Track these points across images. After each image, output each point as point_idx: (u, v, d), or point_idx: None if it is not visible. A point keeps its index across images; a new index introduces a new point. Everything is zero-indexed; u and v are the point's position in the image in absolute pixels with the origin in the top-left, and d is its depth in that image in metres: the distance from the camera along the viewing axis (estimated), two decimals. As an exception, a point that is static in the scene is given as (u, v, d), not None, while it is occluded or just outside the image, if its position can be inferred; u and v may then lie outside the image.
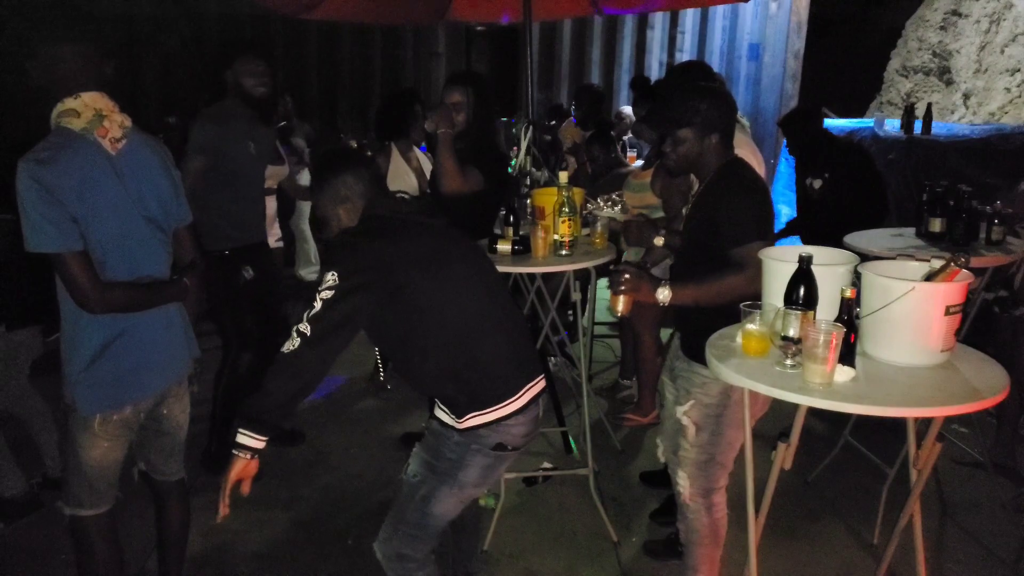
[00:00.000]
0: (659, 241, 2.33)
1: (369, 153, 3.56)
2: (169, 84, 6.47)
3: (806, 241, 3.67)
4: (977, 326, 3.00)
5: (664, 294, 1.86)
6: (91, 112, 1.70)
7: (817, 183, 3.58)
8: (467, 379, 1.70)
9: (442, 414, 1.78)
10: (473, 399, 1.70)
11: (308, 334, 1.58)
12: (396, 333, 1.71)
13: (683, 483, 2.04)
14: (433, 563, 1.84)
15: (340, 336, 1.61)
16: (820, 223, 3.55)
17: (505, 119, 6.00)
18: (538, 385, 1.81)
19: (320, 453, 3.24)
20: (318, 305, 1.59)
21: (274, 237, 3.78)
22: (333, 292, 1.58)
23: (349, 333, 1.62)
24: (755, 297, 1.73)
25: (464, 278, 1.74)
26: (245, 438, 1.61)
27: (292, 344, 1.59)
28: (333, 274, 1.60)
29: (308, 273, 5.68)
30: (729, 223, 1.86)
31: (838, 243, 3.44)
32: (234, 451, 1.62)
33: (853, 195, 3.49)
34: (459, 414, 1.71)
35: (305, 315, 1.59)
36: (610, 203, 2.92)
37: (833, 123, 5.41)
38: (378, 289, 1.63)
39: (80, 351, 1.75)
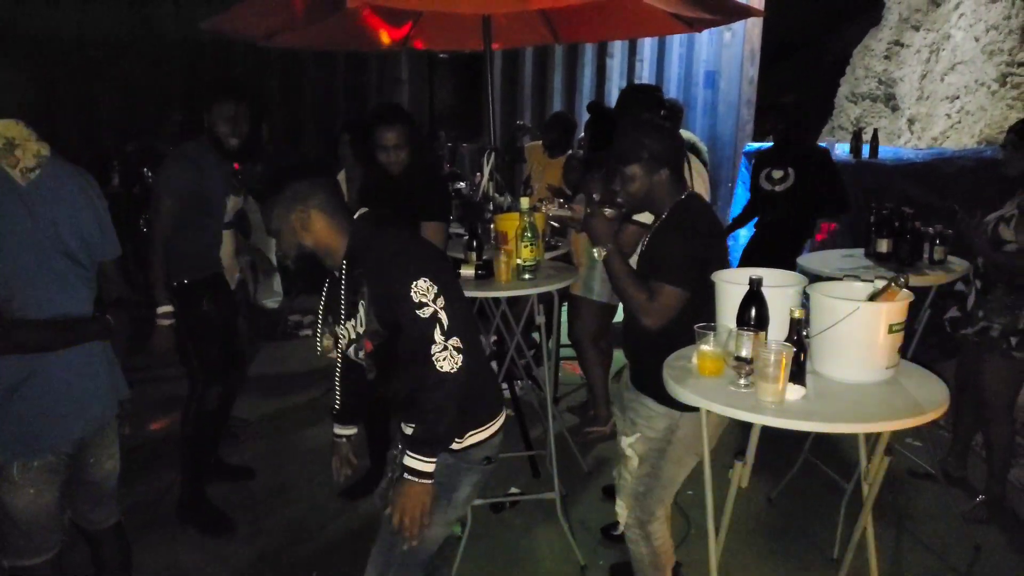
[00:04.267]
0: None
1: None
2: (128, 110, 6.38)
3: (762, 234, 3.83)
4: (930, 342, 3.12)
5: (600, 250, 1.90)
6: (1, 140, 1.64)
7: (778, 173, 3.66)
8: (475, 387, 1.68)
9: None
10: (476, 413, 1.70)
11: (461, 345, 1.56)
12: None
13: (620, 511, 2.06)
14: None
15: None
16: (780, 213, 3.66)
17: (471, 144, 6.05)
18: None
19: (282, 484, 3.18)
20: (444, 316, 1.55)
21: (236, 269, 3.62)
22: (443, 297, 1.56)
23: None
24: (651, 329, 1.82)
25: (457, 283, 1.75)
26: (419, 463, 1.59)
27: (455, 361, 1.56)
28: (424, 280, 1.56)
29: (270, 302, 5.61)
30: (659, 256, 1.90)
31: (796, 231, 3.64)
32: (409, 477, 1.59)
33: (816, 189, 3.60)
34: (460, 433, 1.69)
35: (437, 331, 1.55)
36: (558, 205, 3.03)
37: (760, 151, 5.58)
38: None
39: None
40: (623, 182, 1.95)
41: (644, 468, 1.98)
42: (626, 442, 2.02)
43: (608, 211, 1.94)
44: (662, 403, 1.89)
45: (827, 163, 3.70)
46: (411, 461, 1.60)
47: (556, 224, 2.81)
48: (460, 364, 1.56)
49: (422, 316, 1.55)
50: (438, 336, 1.55)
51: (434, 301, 1.56)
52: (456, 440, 1.70)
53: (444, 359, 1.56)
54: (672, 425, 1.91)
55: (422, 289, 1.55)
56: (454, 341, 1.56)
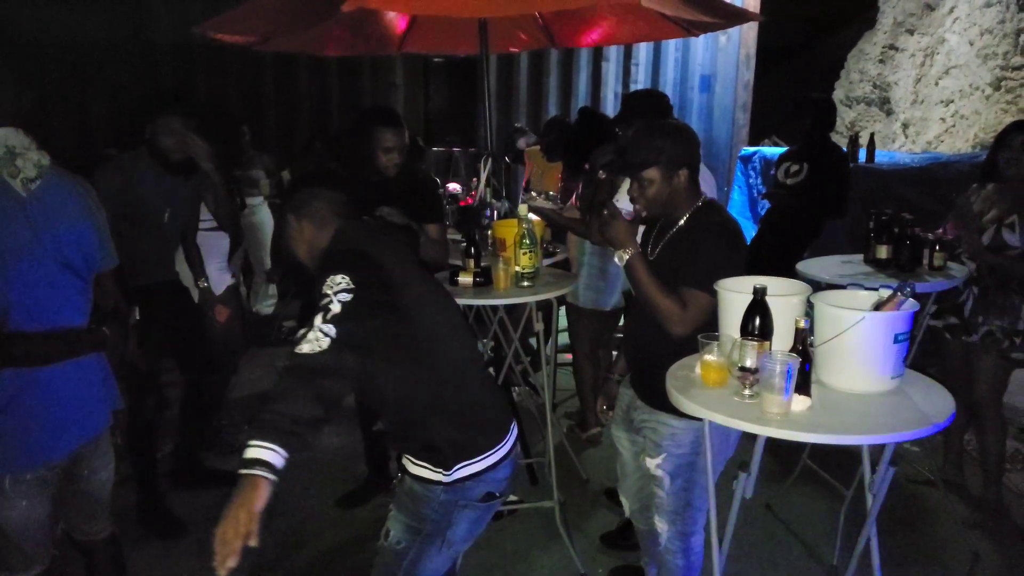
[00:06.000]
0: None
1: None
2: (120, 114, 6.34)
3: (763, 232, 3.85)
4: (924, 348, 3.11)
5: (621, 255, 1.82)
6: (2, 150, 1.61)
7: (795, 168, 3.72)
8: (462, 419, 1.60)
9: (423, 470, 1.62)
10: (464, 445, 1.59)
11: (335, 336, 1.34)
12: (396, 359, 1.54)
13: (661, 527, 2.01)
14: None
15: (358, 354, 1.37)
16: (784, 201, 3.75)
17: (470, 149, 6.03)
18: (516, 426, 1.74)
19: (278, 494, 3.13)
20: (336, 307, 1.37)
21: (228, 274, 3.59)
22: (352, 296, 1.38)
23: (362, 355, 1.39)
24: (681, 338, 1.76)
25: (453, 308, 1.69)
26: (252, 449, 1.29)
27: (316, 345, 1.34)
28: (344, 277, 1.40)
29: (265, 306, 5.57)
30: (692, 263, 1.82)
31: (799, 231, 3.65)
32: (242, 470, 1.28)
33: (824, 187, 3.64)
34: (448, 465, 1.58)
35: (319, 316, 1.37)
36: (543, 197, 3.02)
37: (782, 151, 5.59)
38: (392, 308, 1.48)
39: None
40: (640, 188, 1.87)
41: (678, 483, 1.93)
42: (653, 464, 1.94)
43: (627, 213, 1.86)
44: (683, 417, 1.80)
45: (840, 164, 3.74)
46: (246, 450, 1.29)
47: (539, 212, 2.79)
48: (323, 348, 1.34)
49: (318, 305, 1.40)
50: (317, 320, 1.37)
51: (336, 294, 1.38)
52: (443, 472, 1.58)
53: (306, 340, 1.36)
54: (698, 437, 1.84)
55: (333, 282, 1.40)
56: (327, 328, 1.35)
